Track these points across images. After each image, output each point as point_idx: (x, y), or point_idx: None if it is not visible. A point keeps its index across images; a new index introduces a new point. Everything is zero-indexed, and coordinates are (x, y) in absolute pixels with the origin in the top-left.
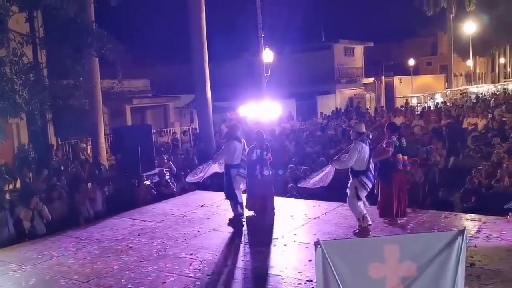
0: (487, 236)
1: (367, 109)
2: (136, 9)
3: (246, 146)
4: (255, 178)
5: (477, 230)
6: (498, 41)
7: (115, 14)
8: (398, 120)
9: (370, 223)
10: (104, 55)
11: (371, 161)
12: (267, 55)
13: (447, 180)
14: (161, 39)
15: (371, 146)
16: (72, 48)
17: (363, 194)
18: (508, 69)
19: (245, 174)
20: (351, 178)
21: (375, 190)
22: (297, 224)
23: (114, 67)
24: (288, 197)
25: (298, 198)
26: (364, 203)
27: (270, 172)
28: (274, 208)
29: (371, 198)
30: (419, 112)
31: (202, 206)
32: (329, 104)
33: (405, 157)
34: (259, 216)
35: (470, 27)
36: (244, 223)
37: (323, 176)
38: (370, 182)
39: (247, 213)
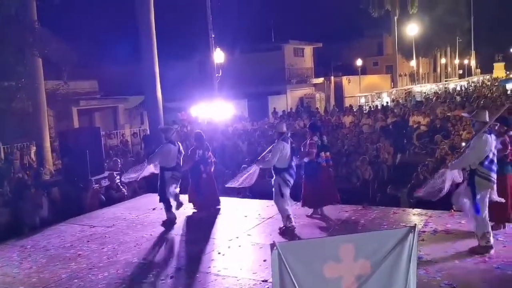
0: (434, 230)
1: (317, 108)
2: (82, 8)
3: (181, 149)
4: (200, 178)
5: (424, 224)
6: (439, 41)
7: (59, 12)
8: (348, 119)
9: (293, 224)
10: (48, 55)
11: (293, 158)
12: (218, 56)
13: (395, 176)
14: (109, 39)
15: (293, 144)
16: (13, 48)
17: (286, 190)
18: (449, 69)
19: (179, 177)
20: (274, 176)
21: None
22: (251, 225)
23: (59, 68)
24: (242, 197)
25: (251, 198)
26: (288, 201)
27: (212, 170)
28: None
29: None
30: (367, 111)
31: (154, 209)
32: (280, 104)
33: (327, 153)
34: (212, 216)
35: (412, 29)
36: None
37: (248, 176)
38: (292, 179)
39: (197, 213)
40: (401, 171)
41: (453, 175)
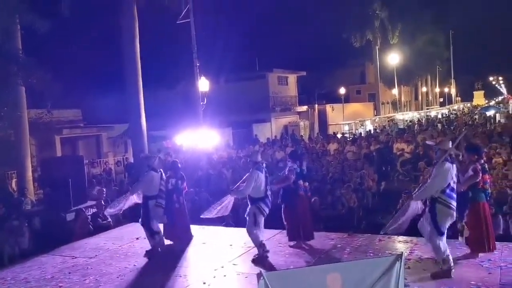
0: (419, 258)
1: (302, 136)
2: (66, 37)
3: (164, 176)
4: (173, 207)
5: (409, 252)
6: (419, 70)
7: (44, 41)
8: (332, 147)
9: (267, 250)
10: (31, 84)
11: (268, 188)
12: (203, 84)
13: (379, 203)
14: (93, 68)
15: (267, 174)
16: None
17: (261, 219)
18: (430, 97)
19: (163, 204)
20: (249, 205)
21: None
22: (236, 253)
23: (43, 97)
24: (225, 226)
25: (234, 226)
26: (261, 230)
27: (185, 201)
28: (192, 236)
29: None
30: (351, 138)
31: (138, 239)
32: (265, 132)
33: (306, 183)
34: (196, 245)
35: (394, 58)
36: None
37: (224, 206)
38: (268, 208)
39: (180, 242)
40: (386, 198)
41: (416, 206)
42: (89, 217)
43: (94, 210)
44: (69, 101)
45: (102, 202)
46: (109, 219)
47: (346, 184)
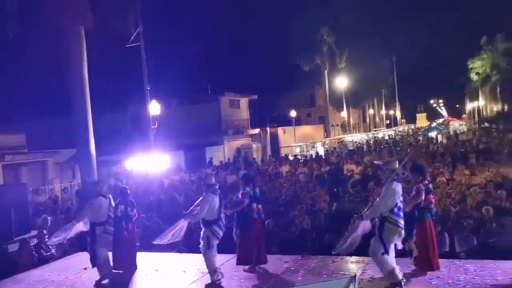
0: (371, 277)
1: (254, 158)
2: (10, 60)
3: (112, 202)
4: (121, 235)
5: (361, 272)
6: (366, 94)
7: None
8: (284, 169)
9: (220, 278)
10: None
11: (222, 210)
12: (154, 107)
13: (332, 224)
14: (39, 91)
15: (221, 196)
16: None
17: (215, 242)
18: (377, 119)
19: (111, 231)
20: (202, 228)
21: (235, 239)
22: (190, 280)
23: None
24: (177, 252)
25: (186, 252)
26: (214, 253)
27: (136, 228)
28: (136, 266)
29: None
30: (302, 160)
31: (85, 269)
32: (218, 154)
33: (259, 206)
34: (148, 272)
35: (342, 82)
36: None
37: (177, 231)
38: (221, 231)
39: (131, 270)
40: (338, 218)
41: (365, 225)
42: (33, 247)
43: (37, 241)
44: (12, 126)
45: (44, 231)
46: (53, 250)
47: (298, 205)
